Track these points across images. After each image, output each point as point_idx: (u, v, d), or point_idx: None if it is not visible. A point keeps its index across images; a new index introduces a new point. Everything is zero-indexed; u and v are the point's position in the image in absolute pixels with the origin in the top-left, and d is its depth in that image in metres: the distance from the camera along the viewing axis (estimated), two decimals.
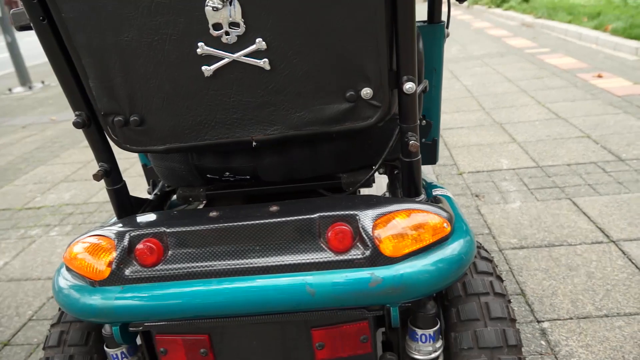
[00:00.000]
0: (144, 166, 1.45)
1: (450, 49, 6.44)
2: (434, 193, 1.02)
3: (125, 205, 0.99)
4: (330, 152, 0.98)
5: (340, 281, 0.76)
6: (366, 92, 0.78)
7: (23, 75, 7.23)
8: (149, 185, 1.33)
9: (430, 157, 1.38)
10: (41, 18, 0.77)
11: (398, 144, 1.00)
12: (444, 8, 1.24)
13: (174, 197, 1.24)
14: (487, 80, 4.64)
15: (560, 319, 1.52)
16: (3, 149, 4.27)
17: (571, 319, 1.51)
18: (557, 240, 1.92)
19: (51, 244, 2.38)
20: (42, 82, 7.51)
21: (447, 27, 1.22)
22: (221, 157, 1.00)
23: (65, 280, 0.87)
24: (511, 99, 3.91)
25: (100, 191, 3.00)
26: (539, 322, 1.52)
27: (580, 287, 1.64)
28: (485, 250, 1.01)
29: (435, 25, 1.19)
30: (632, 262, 1.73)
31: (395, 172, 1.14)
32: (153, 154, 1.06)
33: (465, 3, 13.01)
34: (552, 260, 1.80)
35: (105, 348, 0.94)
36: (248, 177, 1.01)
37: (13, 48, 7.01)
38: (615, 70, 4.40)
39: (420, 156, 0.88)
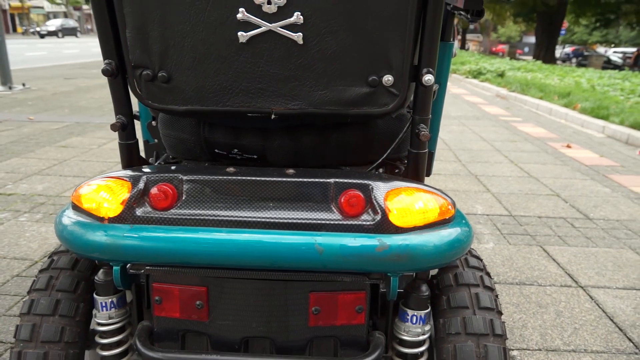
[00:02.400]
0: (146, 142, 1.45)
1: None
2: None
3: (133, 162, 1.00)
4: (337, 142, 1.02)
5: (348, 243, 0.79)
6: (387, 79, 0.83)
7: (5, 75, 7.12)
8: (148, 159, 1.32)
9: (427, 168, 1.45)
10: None
11: (403, 144, 1.06)
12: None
13: None
14: (464, 137, 4.85)
15: (529, 349, 1.56)
16: None
17: (540, 350, 1.56)
18: (528, 280, 1.99)
19: (20, 228, 2.29)
20: (23, 85, 7.39)
21: (455, 46, 1.32)
22: (232, 133, 1.02)
23: (71, 218, 0.86)
24: (486, 156, 4.10)
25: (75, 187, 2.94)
26: (509, 349, 1.55)
27: (549, 323, 1.70)
28: (478, 257, 1.05)
29: (446, 43, 1.29)
30: (599, 307, 1.81)
31: (397, 171, 1.19)
32: (163, 122, 1.08)
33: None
34: (522, 297, 1.86)
35: (95, 296, 0.93)
36: (255, 156, 1.04)
37: (0, 48, 6.93)
38: (583, 144, 4.69)
39: (427, 149, 0.93)
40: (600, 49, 36.87)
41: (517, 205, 2.89)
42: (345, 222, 0.80)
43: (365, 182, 0.83)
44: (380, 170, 1.18)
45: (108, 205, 0.82)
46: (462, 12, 1.18)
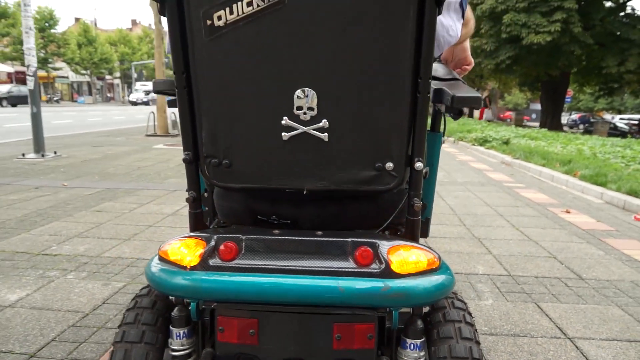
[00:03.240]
0: (202, 210, 1.77)
1: (437, 174, 7.08)
2: None
3: (199, 226, 1.33)
4: (353, 211, 1.34)
5: (362, 285, 1.08)
6: (389, 165, 1.17)
7: (39, 143, 7.68)
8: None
9: (424, 231, 1.75)
10: (184, 86, 1.17)
11: (402, 212, 1.38)
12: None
13: None
14: (469, 202, 5.15)
15: None
16: (17, 204, 4.53)
17: None
18: (522, 332, 2.22)
19: (69, 285, 2.60)
20: (55, 152, 7.94)
21: (444, 136, 1.66)
22: (272, 203, 1.35)
23: (160, 266, 1.16)
24: (489, 220, 4.37)
25: (113, 248, 3.26)
26: None
27: None
28: (462, 300, 1.33)
29: (436, 133, 1.63)
30: (583, 355, 2.02)
31: (398, 233, 1.50)
32: (218, 195, 1.41)
33: (451, 138, 13.99)
34: (516, 347, 2.09)
35: (171, 328, 1.21)
36: (289, 221, 1.36)
37: (36, 118, 7.55)
38: (582, 209, 4.96)
39: (420, 216, 1.25)
40: (608, 116, 37.67)
41: (516, 266, 3.14)
42: (359, 270, 1.10)
43: (373, 241, 1.14)
44: (386, 232, 1.49)
45: (189, 257, 1.13)
46: (445, 113, 1.53)
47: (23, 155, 7.67)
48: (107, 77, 56.96)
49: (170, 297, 1.27)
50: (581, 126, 28.01)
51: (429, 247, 1.19)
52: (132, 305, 1.27)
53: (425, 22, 1.01)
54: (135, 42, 57.06)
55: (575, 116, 39.42)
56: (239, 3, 1.00)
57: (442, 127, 1.64)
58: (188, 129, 1.19)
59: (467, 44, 1.68)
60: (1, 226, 3.77)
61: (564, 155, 8.42)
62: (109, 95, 61.13)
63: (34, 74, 7.50)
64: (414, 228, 1.25)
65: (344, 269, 1.10)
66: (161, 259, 1.17)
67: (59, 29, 47.28)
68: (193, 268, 1.11)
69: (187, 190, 1.33)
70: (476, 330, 1.23)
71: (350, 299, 1.08)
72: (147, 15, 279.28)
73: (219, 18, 1.02)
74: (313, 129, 1.12)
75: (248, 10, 1.00)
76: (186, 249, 1.14)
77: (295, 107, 1.11)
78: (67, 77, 53.08)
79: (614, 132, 24.85)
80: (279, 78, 1.09)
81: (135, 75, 53.87)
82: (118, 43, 54.78)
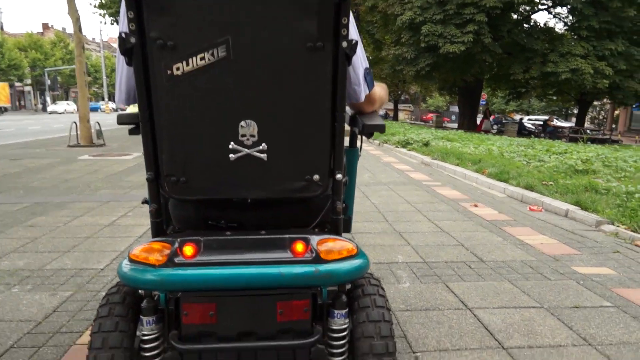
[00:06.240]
0: (162, 220, 1.99)
1: (363, 175, 7.58)
2: None
3: (160, 232, 1.59)
4: (288, 214, 1.66)
5: (298, 270, 1.40)
6: (316, 177, 1.49)
7: None
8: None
9: (347, 227, 2.11)
10: (147, 119, 1.41)
11: (328, 213, 1.71)
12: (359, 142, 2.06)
13: None
14: (391, 201, 5.64)
15: (428, 351, 2.18)
16: None
17: (435, 351, 2.18)
18: (432, 307, 2.65)
19: (16, 297, 2.69)
20: None
21: (360, 151, 2.03)
22: (221, 210, 1.64)
23: (130, 267, 1.40)
24: (409, 216, 4.86)
25: (54, 260, 3.34)
26: (414, 352, 2.17)
27: (443, 333, 2.34)
28: (376, 278, 1.69)
29: (354, 149, 1.99)
30: (479, 321, 2.48)
31: (325, 229, 1.83)
32: (174, 205, 1.67)
33: (376, 141, 14.63)
34: (427, 318, 2.50)
35: (141, 317, 1.46)
36: (235, 224, 1.66)
37: None
38: (487, 203, 5.61)
39: (342, 215, 1.59)
40: (517, 117, 40.75)
41: (430, 254, 3.60)
42: (295, 259, 1.41)
43: (306, 236, 1.45)
44: (316, 229, 1.81)
45: (158, 257, 1.38)
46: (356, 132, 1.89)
47: None
48: (17, 84, 53.16)
49: (140, 291, 1.51)
50: (495, 127, 30.20)
51: (349, 239, 1.53)
52: (104, 302, 1.50)
53: (339, 72, 1.35)
54: (48, 47, 53.78)
55: (481, 117, 42.28)
56: (194, 58, 1.28)
57: (359, 143, 2.01)
58: (150, 153, 1.43)
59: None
60: None
61: (475, 155, 9.26)
62: (20, 103, 57.02)
63: None
64: (337, 225, 1.59)
65: (283, 259, 1.40)
66: (132, 260, 1.41)
67: None
68: (162, 265, 1.37)
69: (144, 203, 1.59)
70: (387, 300, 1.58)
71: (289, 281, 1.38)
72: (60, 18, 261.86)
73: (178, 69, 1.29)
74: (255, 151, 1.41)
75: (201, 63, 1.29)
76: (154, 251, 1.40)
77: (240, 134, 1.40)
78: None
79: (523, 131, 27.05)
80: (227, 112, 1.37)
81: (48, 82, 50.71)
82: (28, 48, 51.35)
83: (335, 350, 1.52)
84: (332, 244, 1.45)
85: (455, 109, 38.54)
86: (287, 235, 1.43)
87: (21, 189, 6.14)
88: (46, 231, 4.13)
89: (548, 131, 25.34)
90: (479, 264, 3.38)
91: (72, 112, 41.76)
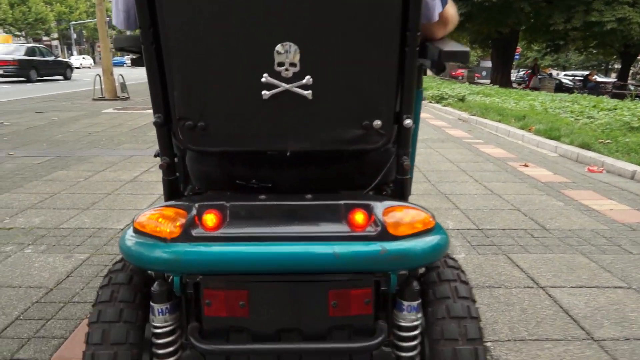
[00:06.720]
0: (177, 177, 1.66)
1: None
2: None
3: (174, 194, 1.23)
4: (336, 172, 1.28)
5: (359, 249, 1.03)
6: (377, 123, 1.10)
7: None
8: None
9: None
10: (151, 42, 1.04)
11: (390, 171, 1.32)
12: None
13: None
14: (432, 159, 5.21)
15: (500, 341, 1.82)
16: None
17: (509, 341, 1.82)
18: (496, 283, 2.28)
19: (27, 259, 2.44)
20: None
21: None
22: (251, 167, 1.27)
23: (137, 239, 1.07)
24: (453, 176, 4.44)
25: (71, 218, 3.08)
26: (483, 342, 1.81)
27: (516, 318, 1.97)
28: (454, 259, 1.32)
29: (418, 90, 1.58)
30: (557, 303, 2.10)
31: (383, 193, 1.45)
32: (193, 159, 1.31)
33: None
34: (492, 298, 2.14)
35: (152, 304, 1.13)
36: (269, 185, 1.29)
37: None
38: (539, 162, 5.12)
39: (409, 175, 1.20)
40: (553, 72, 38.91)
41: (484, 220, 3.20)
42: (354, 234, 1.04)
43: (367, 202, 1.08)
44: (371, 193, 1.44)
45: (169, 228, 1.04)
46: (426, 65, 1.47)
47: None
48: (44, 38, 53.26)
49: (150, 272, 1.18)
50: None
51: (422, 207, 1.15)
52: (106, 282, 1.17)
53: None
54: (72, 0, 53.32)
55: (523, 72, 40.47)
56: None
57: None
58: (158, 89, 1.08)
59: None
60: None
61: (517, 111, 8.63)
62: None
63: None
64: (403, 187, 1.21)
65: (338, 234, 1.04)
66: (137, 231, 1.07)
67: None
68: (174, 240, 1.02)
69: (156, 156, 1.22)
70: (471, 288, 1.21)
71: (346, 264, 1.02)
72: None
73: None
74: (296, 87, 1.04)
75: None
76: (165, 220, 1.05)
77: (276, 63, 1.02)
78: None
79: (560, 88, 25.74)
80: (258, 31, 0.99)
81: (74, 36, 50.62)
82: (54, 1, 51.00)
83: (404, 354, 1.18)
84: (401, 214, 1.08)
85: (486, 64, 36.97)
86: (341, 202, 1.07)
87: (44, 142, 5.93)
88: (66, 186, 3.88)
89: (589, 87, 23.98)
90: (543, 233, 2.97)
91: (89, 67, 41.92)
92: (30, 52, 18.74)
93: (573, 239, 2.88)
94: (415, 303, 1.16)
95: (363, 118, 1.07)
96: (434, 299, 1.17)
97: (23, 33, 46.12)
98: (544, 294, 2.18)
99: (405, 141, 1.13)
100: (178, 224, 1.04)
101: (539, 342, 1.82)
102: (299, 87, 1.03)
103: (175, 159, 1.49)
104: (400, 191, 1.21)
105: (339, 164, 1.26)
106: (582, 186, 4.17)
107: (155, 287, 1.12)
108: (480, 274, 2.37)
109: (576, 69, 42.80)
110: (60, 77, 20.68)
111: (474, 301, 1.18)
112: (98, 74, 12.04)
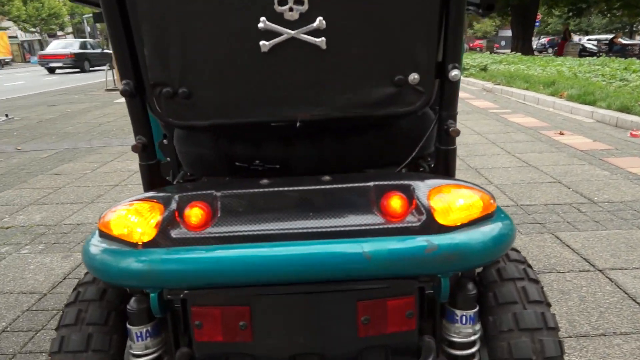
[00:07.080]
0: (158, 162, 1.42)
1: None
2: None
3: (155, 183, 0.97)
4: (360, 145, 1.00)
5: (397, 247, 0.76)
6: (413, 77, 0.82)
7: None
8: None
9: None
10: None
11: (428, 140, 1.04)
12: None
13: None
14: None
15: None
16: None
17: (570, 337, 1.54)
18: (546, 267, 1.98)
19: (23, 261, 2.23)
20: (6, 116, 7.28)
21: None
22: (253, 144, 1.00)
23: (101, 246, 0.82)
24: (482, 149, 4.11)
25: (74, 214, 2.87)
26: None
27: (574, 309, 1.69)
28: (517, 250, 1.03)
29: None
30: (620, 289, 1.80)
31: (421, 169, 1.17)
32: (180, 139, 1.05)
33: None
34: (544, 285, 1.84)
35: (129, 326, 0.88)
36: (278, 166, 1.01)
37: None
38: (575, 130, 4.73)
39: (456, 145, 0.92)
40: (575, 38, 37.49)
41: (522, 195, 2.89)
42: (390, 226, 0.77)
43: (406, 182, 0.81)
44: (403, 171, 1.16)
45: (141, 229, 0.78)
46: (470, 7, 1.17)
47: None
48: (59, 33, 53.59)
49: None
50: (550, 50, 27.77)
51: (478, 185, 0.87)
52: (72, 299, 0.93)
53: None
54: None
55: (544, 40, 39.10)
56: None
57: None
58: (124, 48, 0.82)
59: None
60: None
61: (545, 77, 8.15)
62: None
63: None
64: (448, 161, 0.94)
65: (368, 227, 0.77)
66: (103, 234, 0.82)
67: None
68: (147, 245, 0.77)
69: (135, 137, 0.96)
70: (543, 287, 0.93)
71: (380, 268, 0.76)
72: None
73: None
74: (304, 33, 0.77)
75: None
76: (137, 218, 0.79)
77: (276, 2, 0.75)
78: (16, 37, 49.70)
79: (584, 53, 24.73)
80: None
81: (88, 29, 50.81)
82: None
83: None
84: (452, 196, 0.82)
85: (505, 33, 35.87)
86: (370, 183, 0.80)
87: (54, 135, 5.77)
88: (72, 179, 3.69)
89: (615, 50, 22.95)
90: (591, 207, 2.64)
91: None
92: (83, 45, 20.03)
93: (627, 211, 2.55)
94: (471, 312, 0.89)
95: (395, 72, 0.81)
96: (496, 305, 0.90)
97: (37, 29, 46.49)
98: (603, 278, 1.88)
99: (451, 100, 0.88)
100: (153, 222, 0.79)
101: (605, 337, 1.53)
102: (307, 33, 0.77)
103: (165, 141, 1.23)
104: (446, 166, 0.93)
105: (364, 134, 0.99)
106: (627, 152, 3.79)
107: (131, 304, 0.87)
108: (526, 257, 2.07)
109: (599, 33, 41.18)
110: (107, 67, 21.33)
111: (548, 305, 0.90)
112: (109, 64, 11.87)
